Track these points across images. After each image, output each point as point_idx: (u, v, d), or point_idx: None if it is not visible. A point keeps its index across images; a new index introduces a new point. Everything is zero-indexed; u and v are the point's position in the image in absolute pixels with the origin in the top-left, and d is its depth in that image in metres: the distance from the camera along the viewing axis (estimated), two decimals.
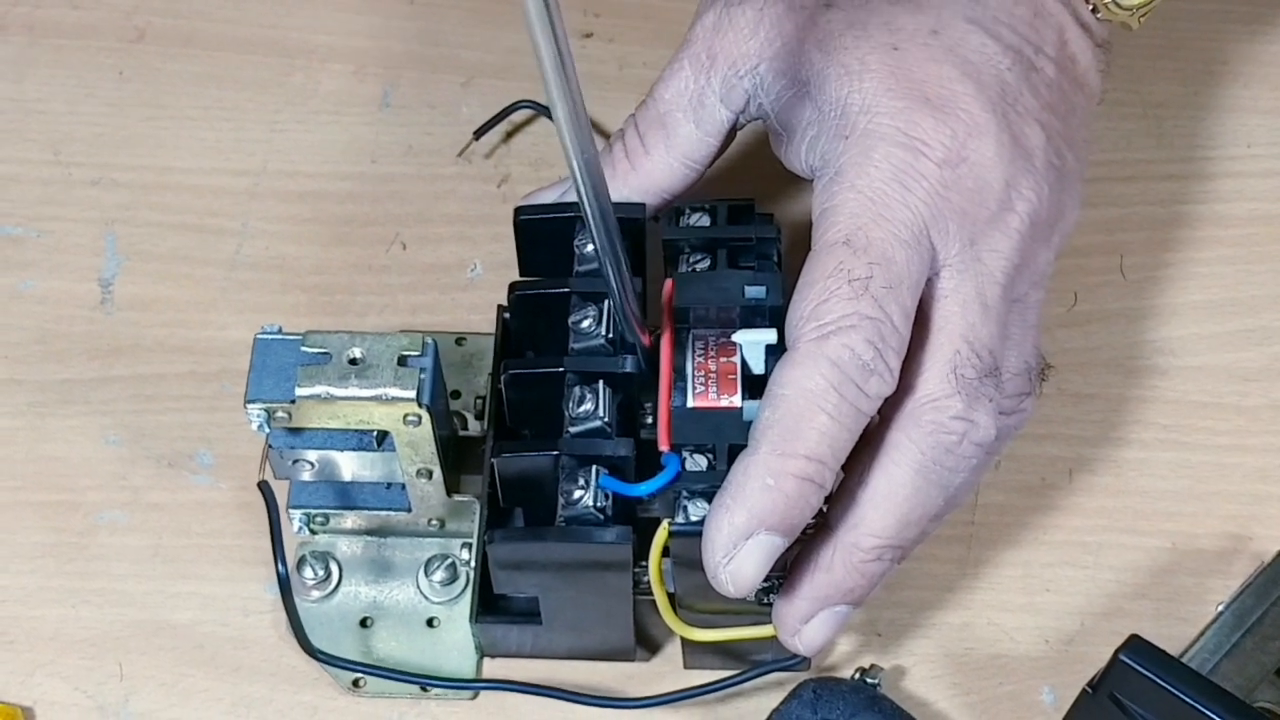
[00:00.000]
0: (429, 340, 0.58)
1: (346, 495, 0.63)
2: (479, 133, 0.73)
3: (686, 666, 0.63)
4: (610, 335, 0.58)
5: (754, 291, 0.59)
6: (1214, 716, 0.52)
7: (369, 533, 0.65)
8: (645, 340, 0.58)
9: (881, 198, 0.55)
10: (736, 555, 0.53)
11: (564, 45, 0.48)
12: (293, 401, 0.57)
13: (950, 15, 0.58)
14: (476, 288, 0.70)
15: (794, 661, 0.61)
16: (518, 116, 0.74)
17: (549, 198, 0.63)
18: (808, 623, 0.57)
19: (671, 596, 0.58)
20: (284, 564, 0.60)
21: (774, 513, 0.53)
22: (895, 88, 0.56)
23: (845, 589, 0.56)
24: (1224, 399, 0.68)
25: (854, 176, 0.56)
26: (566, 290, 0.59)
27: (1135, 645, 0.54)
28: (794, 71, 0.58)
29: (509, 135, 0.74)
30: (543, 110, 0.73)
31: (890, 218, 0.55)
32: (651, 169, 0.61)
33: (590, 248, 0.60)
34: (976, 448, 0.56)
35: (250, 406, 0.58)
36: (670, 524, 0.55)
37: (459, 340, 0.68)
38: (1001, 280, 0.56)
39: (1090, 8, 0.60)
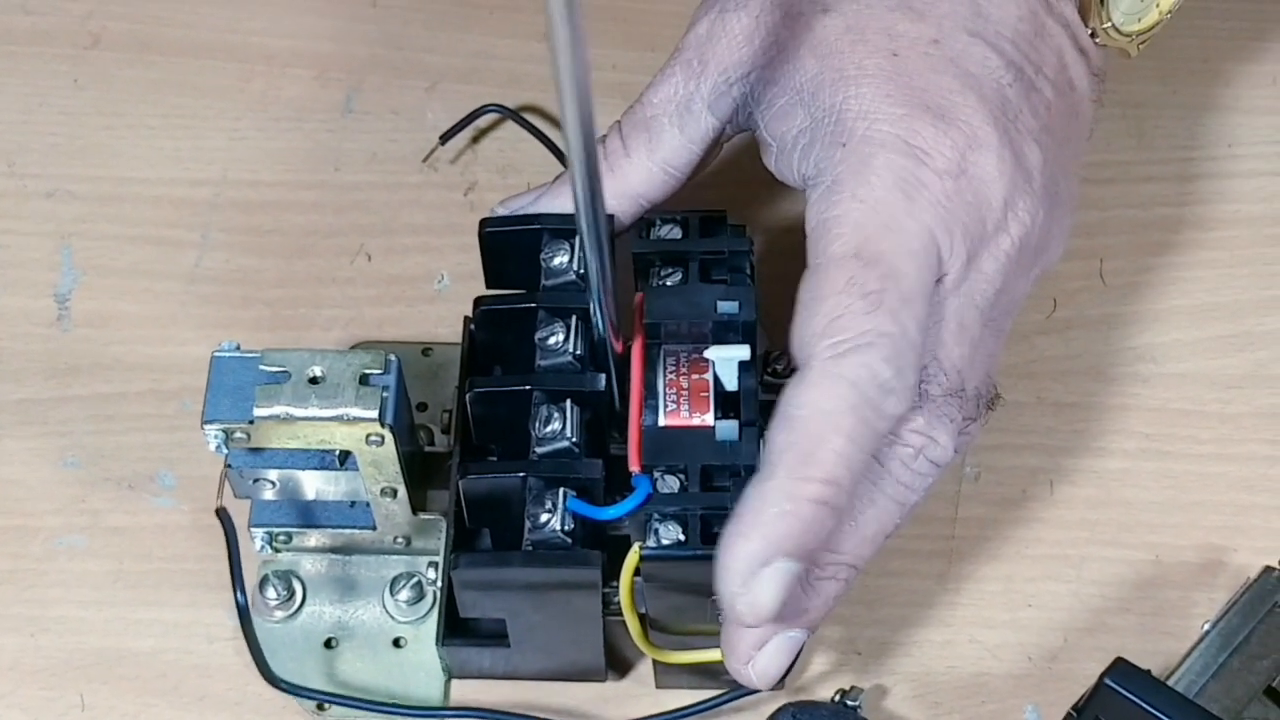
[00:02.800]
0: (391, 358, 0.57)
1: (309, 513, 0.62)
2: (445, 138, 0.71)
3: (658, 686, 0.62)
4: (579, 352, 0.57)
5: (726, 306, 0.57)
6: None
7: (333, 551, 0.63)
8: (619, 346, 0.56)
9: (886, 208, 0.54)
10: (754, 584, 0.51)
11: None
12: (251, 422, 0.56)
13: (952, 26, 0.56)
14: (444, 300, 0.69)
15: None
16: (483, 121, 0.72)
17: (522, 203, 0.62)
18: (761, 649, 0.55)
19: (643, 617, 0.57)
20: (244, 593, 0.59)
21: (791, 538, 0.51)
22: (894, 94, 0.55)
23: (800, 609, 0.55)
24: (1206, 407, 0.67)
25: (854, 186, 0.54)
26: (533, 305, 0.58)
27: (1121, 669, 0.53)
28: (787, 79, 0.57)
29: (475, 140, 0.72)
30: (509, 114, 0.72)
31: (897, 228, 0.53)
32: (630, 172, 0.59)
33: (558, 260, 0.59)
34: (932, 465, 0.55)
35: (208, 427, 0.56)
36: (641, 548, 0.54)
37: (425, 351, 0.67)
38: (980, 304, 0.55)
39: (1089, 33, 0.58)
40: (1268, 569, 0.61)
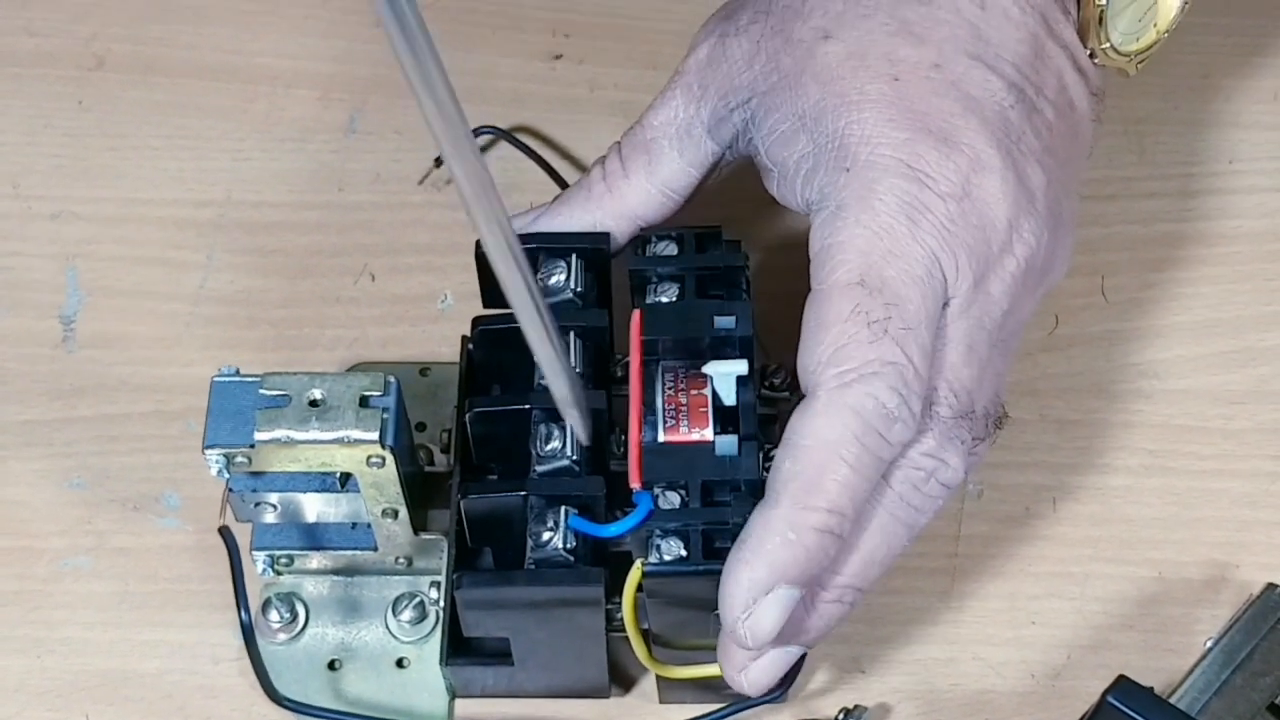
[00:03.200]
0: (391, 379, 0.57)
1: (311, 535, 0.62)
2: (440, 160, 0.71)
3: (662, 701, 0.62)
4: (578, 369, 0.57)
5: (723, 321, 0.57)
6: None
7: (335, 572, 0.63)
8: (584, 436, 0.56)
9: (890, 233, 0.54)
10: (756, 609, 0.52)
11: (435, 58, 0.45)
12: (252, 446, 0.56)
13: (953, 50, 0.56)
14: (448, 319, 0.69)
15: (773, 696, 0.60)
16: (484, 140, 0.72)
17: (522, 223, 0.62)
18: (756, 660, 0.55)
19: (646, 633, 0.57)
20: (247, 611, 0.59)
21: (794, 566, 0.52)
22: (897, 118, 0.55)
23: (800, 629, 0.55)
24: (1209, 422, 0.67)
25: (858, 211, 0.54)
26: None
27: (1123, 686, 0.53)
28: (789, 105, 0.57)
29: None
30: (502, 134, 0.72)
31: (901, 254, 0.54)
32: (628, 193, 0.59)
33: (555, 279, 0.59)
34: (943, 487, 0.55)
35: (209, 452, 0.57)
36: (644, 564, 0.54)
37: (423, 371, 0.67)
38: (988, 326, 0.55)
39: (1088, 53, 0.58)
40: (1271, 585, 0.61)
